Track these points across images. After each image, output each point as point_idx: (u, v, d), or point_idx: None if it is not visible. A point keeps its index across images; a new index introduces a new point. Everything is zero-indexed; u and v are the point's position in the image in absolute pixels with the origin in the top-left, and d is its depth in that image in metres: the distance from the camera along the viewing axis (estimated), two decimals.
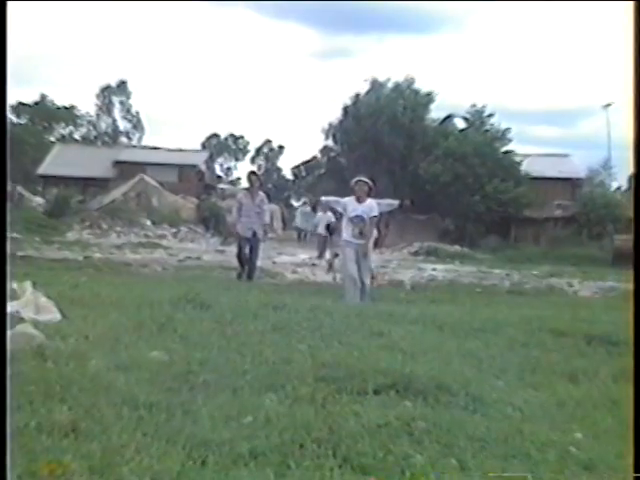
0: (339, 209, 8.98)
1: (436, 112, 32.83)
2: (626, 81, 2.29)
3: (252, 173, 12.00)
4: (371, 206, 8.58)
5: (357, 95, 32.86)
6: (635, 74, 2.24)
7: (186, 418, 3.18)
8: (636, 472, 2.27)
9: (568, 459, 2.93)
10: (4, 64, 2.23)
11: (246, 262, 10.94)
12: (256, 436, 2.95)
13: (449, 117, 32.53)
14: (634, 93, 2.24)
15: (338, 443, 2.91)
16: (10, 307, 5.03)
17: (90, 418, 3.08)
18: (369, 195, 8.67)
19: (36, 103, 48.18)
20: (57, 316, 5.42)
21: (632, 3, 2.29)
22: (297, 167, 56.41)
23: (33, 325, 4.69)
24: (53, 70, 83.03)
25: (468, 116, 31.40)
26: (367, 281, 8.68)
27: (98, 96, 56.09)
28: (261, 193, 11.29)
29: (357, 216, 8.54)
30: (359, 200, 8.54)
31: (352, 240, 8.57)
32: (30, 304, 5.25)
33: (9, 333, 4.04)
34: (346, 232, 8.69)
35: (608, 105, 35.21)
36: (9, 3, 2.28)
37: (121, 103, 56.76)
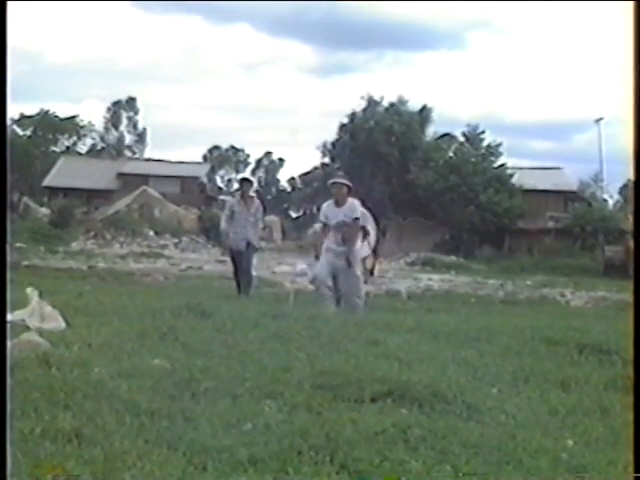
0: (322, 219, 8.14)
1: (433, 125, 33.37)
2: (624, 85, 2.24)
3: (245, 180, 10.98)
4: (352, 207, 7.85)
5: (354, 112, 33.05)
6: (635, 75, 2.20)
7: (187, 425, 3.22)
8: (636, 472, 2.28)
9: (560, 465, 2.95)
10: (4, 66, 2.19)
11: (242, 276, 9.78)
12: (255, 443, 2.98)
13: (447, 135, 32.92)
14: (634, 95, 2.20)
15: (335, 450, 2.94)
16: (15, 316, 5.12)
17: (93, 424, 3.12)
18: (349, 195, 7.92)
19: (39, 115, 48.35)
20: (61, 324, 5.50)
21: (632, 3, 2.26)
22: (292, 179, 56.50)
23: (38, 333, 4.76)
24: (59, 85, 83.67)
25: (467, 133, 31.78)
26: (354, 297, 7.71)
27: (109, 109, 57.05)
28: (256, 200, 10.13)
29: (338, 222, 7.82)
30: (338, 204, 7.88)
31: (334, 247, 7.84)
32: (35, 313, 5.32)
33: (15, 341, 4.13)
34: (328, 240, 7.95)
35: (600, 119, 35.46)
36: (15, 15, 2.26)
37: (128, 119, 57.49)
